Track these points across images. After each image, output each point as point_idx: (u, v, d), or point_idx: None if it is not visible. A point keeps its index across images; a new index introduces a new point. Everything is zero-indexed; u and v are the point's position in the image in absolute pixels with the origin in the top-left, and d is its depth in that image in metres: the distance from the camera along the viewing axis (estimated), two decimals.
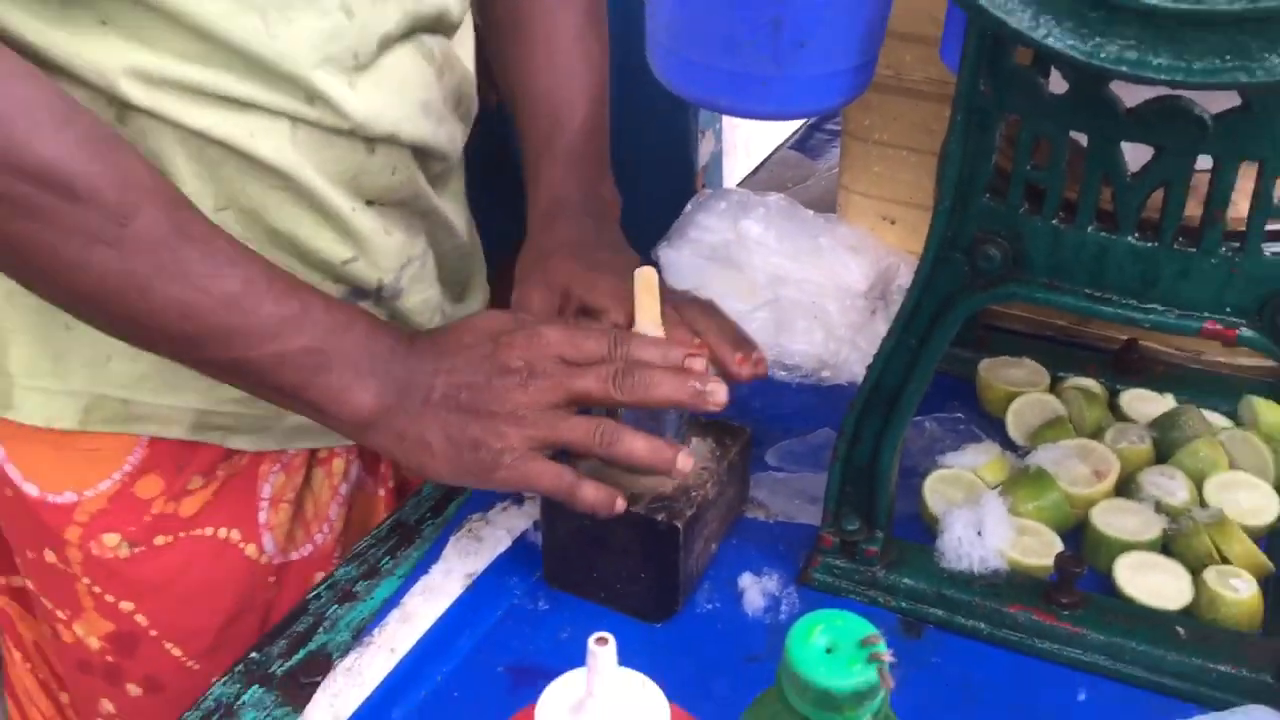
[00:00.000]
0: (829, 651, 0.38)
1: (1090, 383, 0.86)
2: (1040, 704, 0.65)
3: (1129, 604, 0.69)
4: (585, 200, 0.83)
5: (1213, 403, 0.84)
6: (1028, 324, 0.94)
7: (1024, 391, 0.85)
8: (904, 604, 0.71)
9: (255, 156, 0.67)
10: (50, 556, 0.75)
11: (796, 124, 1.29)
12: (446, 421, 0.64)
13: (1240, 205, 0.56)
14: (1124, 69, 0.47)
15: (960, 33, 0.57)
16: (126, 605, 0.76)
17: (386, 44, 0.70)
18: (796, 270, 0.94)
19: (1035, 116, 0.57)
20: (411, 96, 0.73)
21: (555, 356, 0.65)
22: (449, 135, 0.78)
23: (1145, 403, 0.84)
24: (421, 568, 0.72)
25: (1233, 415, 0.83)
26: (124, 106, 0.64)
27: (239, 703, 0.63)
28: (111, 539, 0.74)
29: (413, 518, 0.77)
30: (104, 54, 0.62)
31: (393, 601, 0.70)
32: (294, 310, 0.63)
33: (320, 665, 0.65)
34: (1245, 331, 0.57)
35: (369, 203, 0.74)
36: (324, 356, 0.63)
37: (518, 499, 0.77)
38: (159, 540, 0.75)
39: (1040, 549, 0.72)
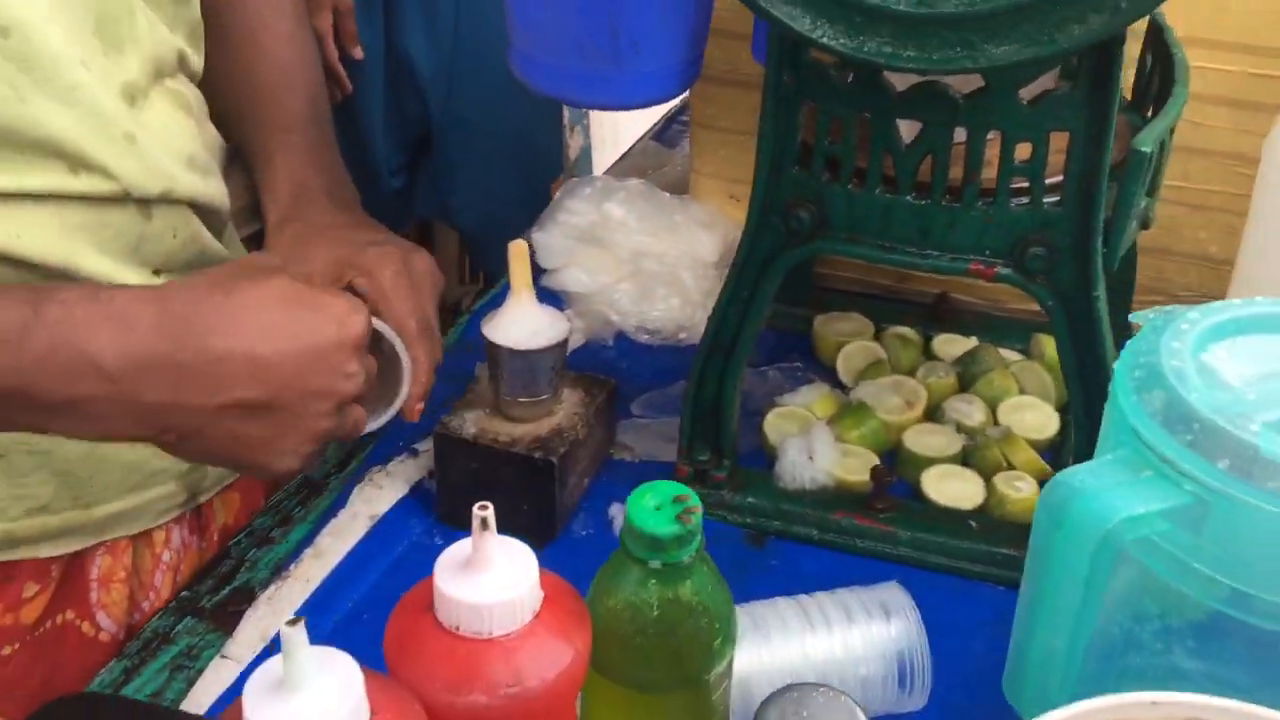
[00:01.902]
0: (657, 509, 0.49)
1: (908, 330, 0.99)
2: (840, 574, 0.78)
3: (933, 506, 0.83)
4: (329, 186, 0.84)
5: (1009, 342, 0.98)
6: (856, 284, 1.07)
7: (851, 340, 0.98)
8: (749, 520, 0.83)
9: (27, 259, 0.65)
10: None
11: (656, 117, 1.41)
12: (233, 434, 0.62)
13: (993, 168, 0.69)
14: (881, 60, 0.60)
15: (766, 34, 0.69)
16: None
17: (135, 95, 0.70)
18: (655, 245, 1.06)
19: (829, 101, 0.69)
20: (176, 150, 0.73)
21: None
22: (219, 189, 0.78)
23: (953, 345, 0.98)
24: (330, 514, 0.82)
25: (1025, 351, 0.97)
26: None
27: (174, 631, 0.73)
28: None
29: (319, 475, 0.86)
30: None
31: (305, 542, 0.79)
32: None
33: (245, 597, 0.75)
34: (1001, 269, 0.70)
35: (156, 272, 0.73)
36: (26, 396, 0.57)
37: (413, 452, 0.87)
38: (6, 650, 0.73)
39: (861, 468, 0.85)
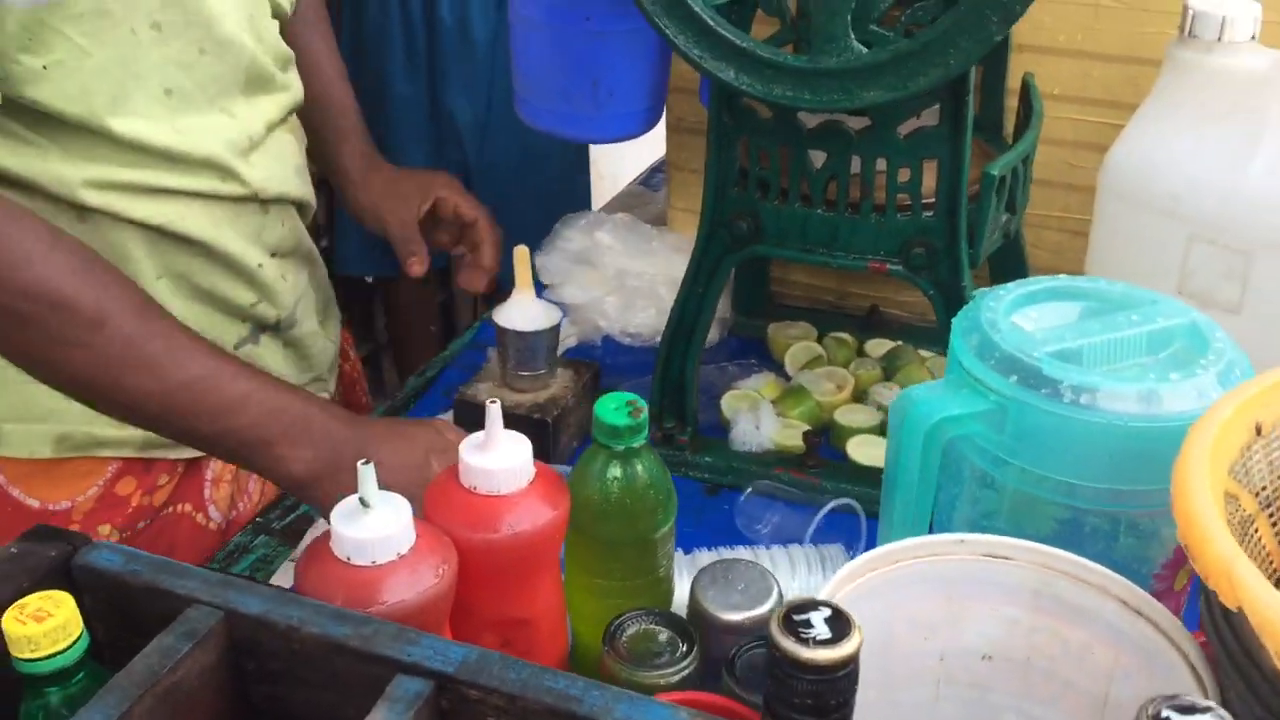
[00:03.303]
0: (616, 409, 0.70)
1: (845, 335, 1.20)
2: (795, 526, 0.97)
3: (854, 465, 1.03)
4: (375, 156, 1.18)
5: (929, 345, 1.19)
6: (804, 300, 1.28)
7: (797, 341, 1.19)
8: (705, 475, 1.03)
9: (185, 234, 0.91)
10: None
11: (645, 165, 1.64)
12: None
13: (883, 190, 0.90)
14: (785, 101, 0.81)
15: (709, 84, 0.91)
16: None
17: (271, 127, 0.97)
18: (636, 266, 1.27)
19: (757, 136, 0.91)
20: (289, 165, 1.00)
21: None
22: (311, 191, 1.06)
23: (882, 347, 1.19)
24: None
25: (942, 351, 1.18)
26: (82, 209, 0.86)
27: (253, 543, 0.93)
28: (104, 529, 0.95)
29: None
30: (63, 170, 0.85)
31: None
32: (241, 394, 0.81)
33: (306, 521, 0.95)
34: (892, 266, 0.91)
35: (272, 254, 0.99)
36: (265, 431, 0.81)
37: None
38: (140, 525, 0.97)
39: (799, 436, 1.05)
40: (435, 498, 0.69)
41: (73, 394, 0.81)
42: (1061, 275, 0.78)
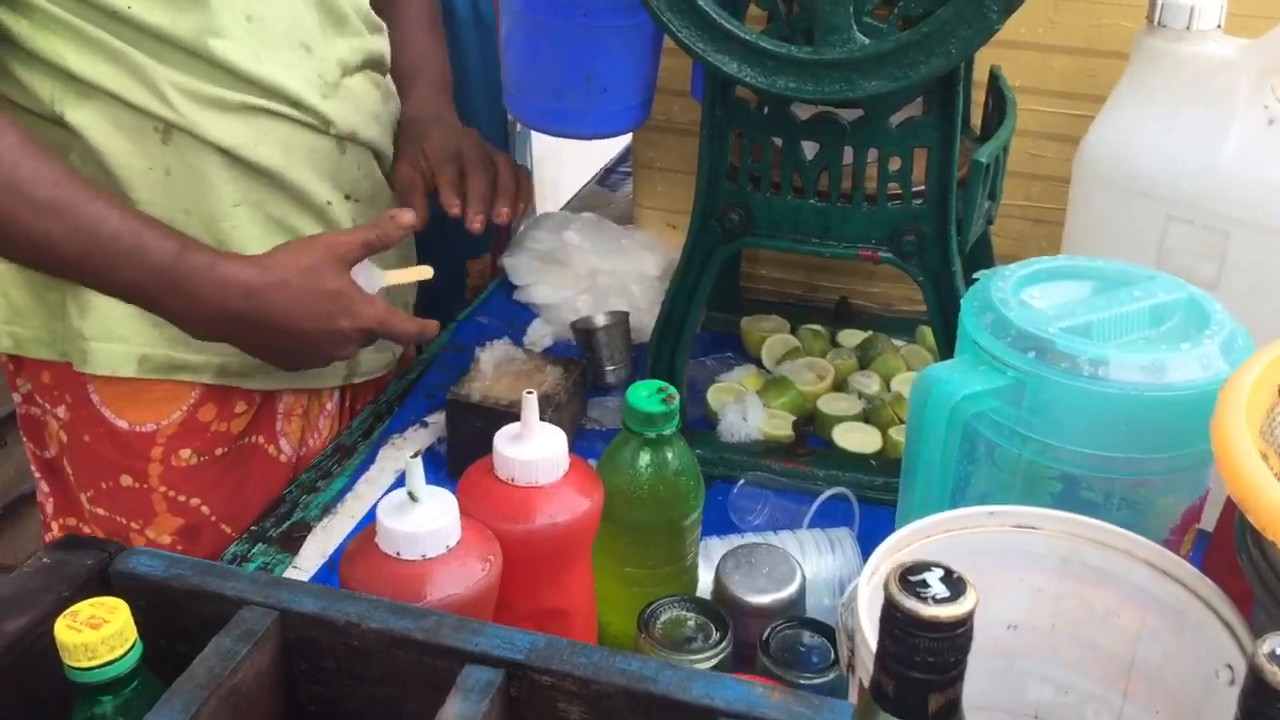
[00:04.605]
0: (648, 396, 0.70)
1: (818, 326, 1.22)
2: (787, 514, 0.99)
3: (842, 452, 1.05)
4: (441, 113, 1.15)
5: (898, 334, 1.21)
6: (774, 294, 1.30)
7: (772, 334, 1.20)
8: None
9: (257, 162, 0.95)
10: (127, 480, 1.01)
11: (598, 166, 1.64)
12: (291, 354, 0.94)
13: (874, 180, 0.92)
14: (788, 93, 0.83)
15: (702, 78, 0.92)
16: (195, 501, 1.02)
17: (346, 70, 1.02)
18: (607, 264, 1.27)
19: (750, 128, 0.92)
20: (366, 109, 1.04)
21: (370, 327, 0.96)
22: (389, 143, 1.10)
23: (854, 338, 1.21)
24: (362, 469, 1.01)
25: (910, 339, 1.21)
26: (169, 128, 0.92)
27: (250, 552, 0.91)
28: (185, 452, 1.01)
29: (348, 441, 1.06)
30: (154, 77, 0.90)
31: (346, 489, 0.98)
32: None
33: (303, 528, 0.94)
34: (884, 254, 0.93)
35: (346, 197, 1.03)
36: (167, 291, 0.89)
37: (424, 424, 1.07)
38: (218, 451, 1.03)
39: (785, 426, 1.07)
40: (472, 490, 0.69)
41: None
42: (1060, 256, 0.81)
